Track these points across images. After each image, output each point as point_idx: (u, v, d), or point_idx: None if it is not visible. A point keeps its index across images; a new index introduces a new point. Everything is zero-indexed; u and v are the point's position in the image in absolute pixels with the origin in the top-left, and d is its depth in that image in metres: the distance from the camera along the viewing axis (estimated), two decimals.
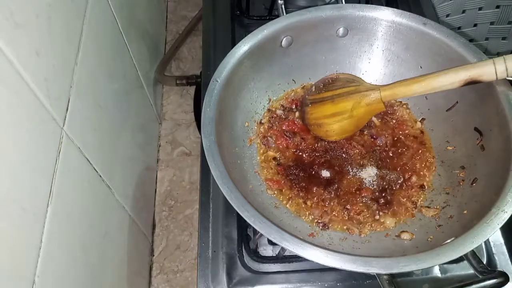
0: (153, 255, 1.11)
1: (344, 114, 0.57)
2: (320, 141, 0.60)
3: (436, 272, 0.55)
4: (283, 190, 0.57)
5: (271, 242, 0.59)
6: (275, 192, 0.56)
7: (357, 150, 0.60)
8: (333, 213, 0.54)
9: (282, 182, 0.57)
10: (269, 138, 0.61)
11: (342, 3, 0.65)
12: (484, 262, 0.55)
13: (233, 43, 0.74)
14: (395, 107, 0.64)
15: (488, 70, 0.47)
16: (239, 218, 0.58)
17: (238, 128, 0.59)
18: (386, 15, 0.59)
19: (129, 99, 0.96)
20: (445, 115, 0.59)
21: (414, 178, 0.57)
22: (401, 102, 0.64)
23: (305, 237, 0.51)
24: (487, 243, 0.57)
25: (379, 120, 0.63)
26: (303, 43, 0.61)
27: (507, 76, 0.47)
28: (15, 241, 0.46)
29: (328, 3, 0.71)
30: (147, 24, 1.19)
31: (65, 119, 0.58)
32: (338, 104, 0.58)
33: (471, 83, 0.49)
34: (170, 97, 1.34)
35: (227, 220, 0.59)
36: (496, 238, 0.57)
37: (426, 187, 0.57)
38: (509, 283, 0.43)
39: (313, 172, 0.58)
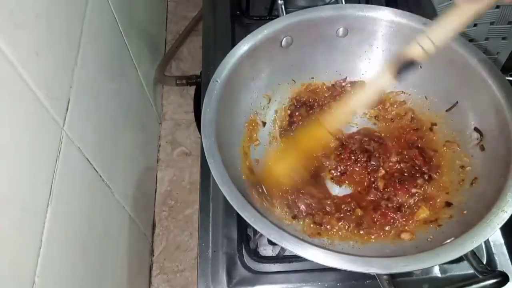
0: (153, 255, 1.11)
1: None
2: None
3: (436, 272, 0.55)
4: None
5: (271, 242, 0.59)
6: None
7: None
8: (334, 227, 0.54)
9: None
10: None
11: (342, 3, 0.65)
12: (484, 262, 0.55)
13: (233, 43, 0.73)
14: (394, 107, 0.64)
15: None
16: (239, 218, 0.58)
17: (238, 128, 0.59)
18: (386, 15, 0.59)
19: (129, 99, 0.96)
20: (445, 115, 0.59)
21: None
22: (400, 102, 0.64)
23: (305, 237, 0.51)
24: (487, 243, 0.57)
25: (379, 121, 0.63)
26: (303, 43, 0.61)
27: None
28: (15, 241, 0.46)
29: (328, 3, 0.71)
30: (147, 24, 1.19)
31: (65, 119, 0.58)
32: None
33: None
34: (170, 97, 1.34)
35: (227, 220, 0.59)
36: (496, 238, 0.57)
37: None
38: (509, 283, 0.43)
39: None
